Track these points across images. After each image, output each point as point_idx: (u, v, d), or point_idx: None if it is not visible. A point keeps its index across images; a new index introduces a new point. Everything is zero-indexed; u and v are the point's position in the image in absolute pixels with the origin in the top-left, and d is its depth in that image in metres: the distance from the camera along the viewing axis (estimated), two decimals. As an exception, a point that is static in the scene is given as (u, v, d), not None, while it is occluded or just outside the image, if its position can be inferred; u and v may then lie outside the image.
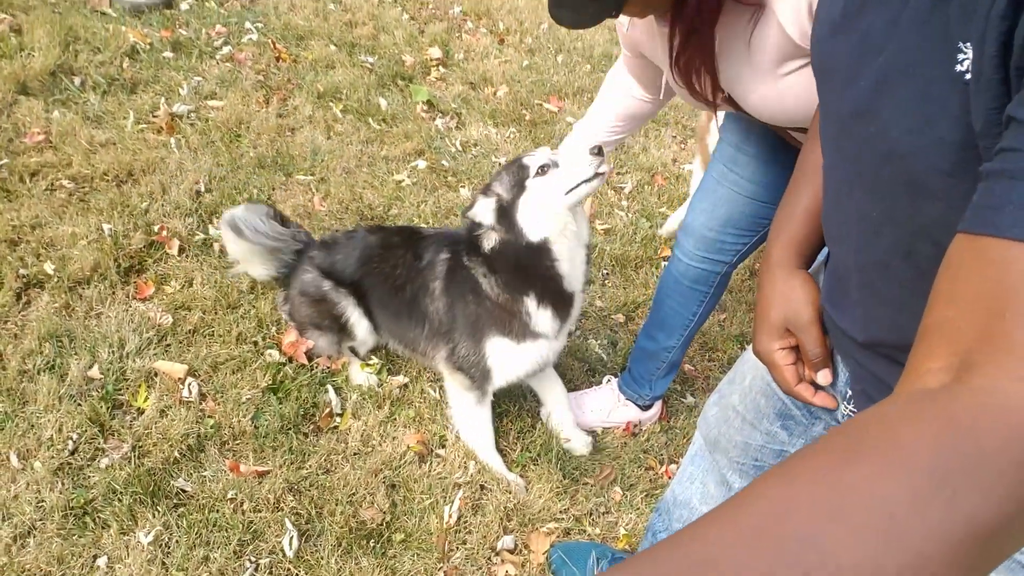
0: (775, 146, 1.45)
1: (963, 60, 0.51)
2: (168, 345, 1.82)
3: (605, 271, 2.42)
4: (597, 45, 3.65)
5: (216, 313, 1.93)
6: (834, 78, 0.69)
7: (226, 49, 2.94)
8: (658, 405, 1.97)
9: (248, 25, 3.11)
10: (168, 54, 2.81)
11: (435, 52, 3.27)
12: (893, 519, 0.35)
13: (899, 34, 0.59)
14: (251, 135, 2.56)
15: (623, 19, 1.34)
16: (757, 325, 0.88)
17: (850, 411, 0.85)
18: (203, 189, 2.29)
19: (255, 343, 1.88)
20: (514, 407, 1.90)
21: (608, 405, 1.93)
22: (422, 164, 2.64)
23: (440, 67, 3.22)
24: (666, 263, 1.76)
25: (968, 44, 0.51)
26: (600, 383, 2.00)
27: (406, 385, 1.90)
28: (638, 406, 1.93)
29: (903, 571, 0.34)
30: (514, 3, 3.82)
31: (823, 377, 0.84)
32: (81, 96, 2.51)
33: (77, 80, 2.55)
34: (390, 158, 2.63)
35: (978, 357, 0.41)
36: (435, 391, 1.89)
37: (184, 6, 3.13)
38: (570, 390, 1.98)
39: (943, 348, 0.43)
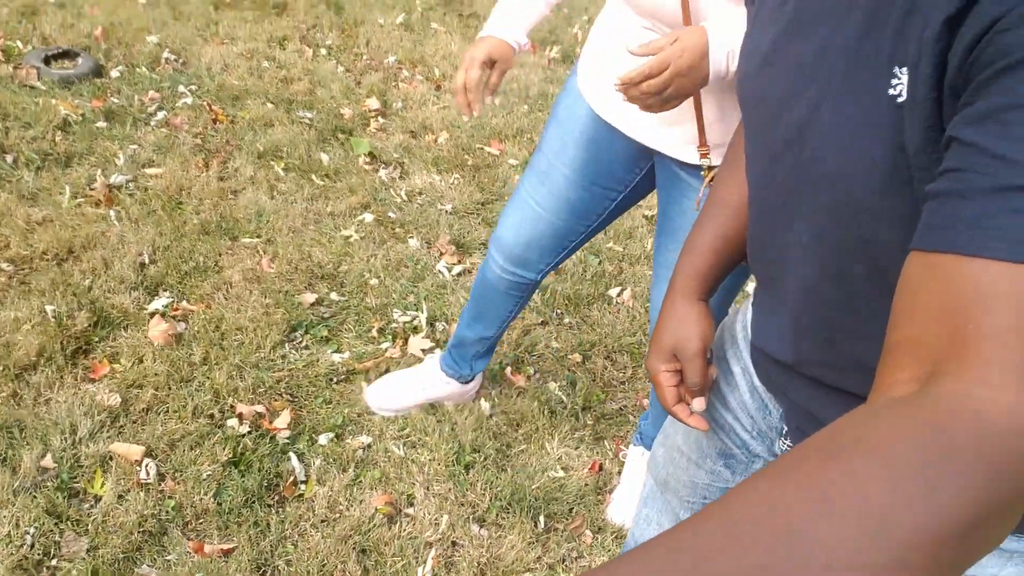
0: (586, 162, 1.47)
1: (896, 85, 0.54)
2: (122, 426, 1.78)
3: (559, 311, 2.44)
4: (533, 85, 3.70)
5: (169, 388, 1.89)
6: (765, 109, 0.71)
7: (161, 115, 2.91)
8: (478, 379, 2.06)
9: (182, 88, 3.09)
10: (101, 124, 2.78)
11: (373, 103, 3.28)
12: (878, 513, 0.36)
13: (831, 62, 0.61)
14: (193, 201, 2.53)
15: None
16: (651, 344, 0.95)
17: (787, 445, 0.91)
18: (147, 261, 2.25)
19: (211, 416, 1.85)
20: (480, 456, 1.89)
21: (431, 381, 2.01)
22: (369, 217, 2.64)
23: (379, 117, 3.23)
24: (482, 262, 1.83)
25: (903, 68, 0.53)
26: (559, 424, 2.02)
27: (369, 445, 1.89)
28: (459, 382, 2.01)
29: (891, 563, 0.35)
30: (447, 48, 3.86)
31: (698, 404, 0.92)
32: (14, 174, 2.46)
33: (9, 158, 2.51)
34: (336, 214, 2.63)
35: (945, 367, 0.42)
36: (399, 448, 1.88)
37: (115, 73, 3.10)
38: (531, 433, 1.98)
39: (910, 361, 0.45)
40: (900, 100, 0.54)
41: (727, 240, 0.92)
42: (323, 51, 3.62)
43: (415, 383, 2.00)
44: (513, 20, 1.48)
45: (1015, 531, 0.73)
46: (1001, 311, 0.41)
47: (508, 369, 2.17)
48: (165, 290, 2.19)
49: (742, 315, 1.00)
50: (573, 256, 2.63)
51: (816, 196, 0.65)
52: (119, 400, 1.83)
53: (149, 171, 2.62)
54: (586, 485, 1.90)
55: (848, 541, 0.35)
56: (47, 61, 3.01)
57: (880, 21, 0.56)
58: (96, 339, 1.99)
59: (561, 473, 1.94)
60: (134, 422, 1.80)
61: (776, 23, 0.69)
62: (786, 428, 0.88)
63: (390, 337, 2.20)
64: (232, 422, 1.84)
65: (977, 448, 0.38)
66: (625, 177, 1.50)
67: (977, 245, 0.43)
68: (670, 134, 1.35)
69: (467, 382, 2.02)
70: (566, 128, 1.49)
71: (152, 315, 2.08)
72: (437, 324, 2.27)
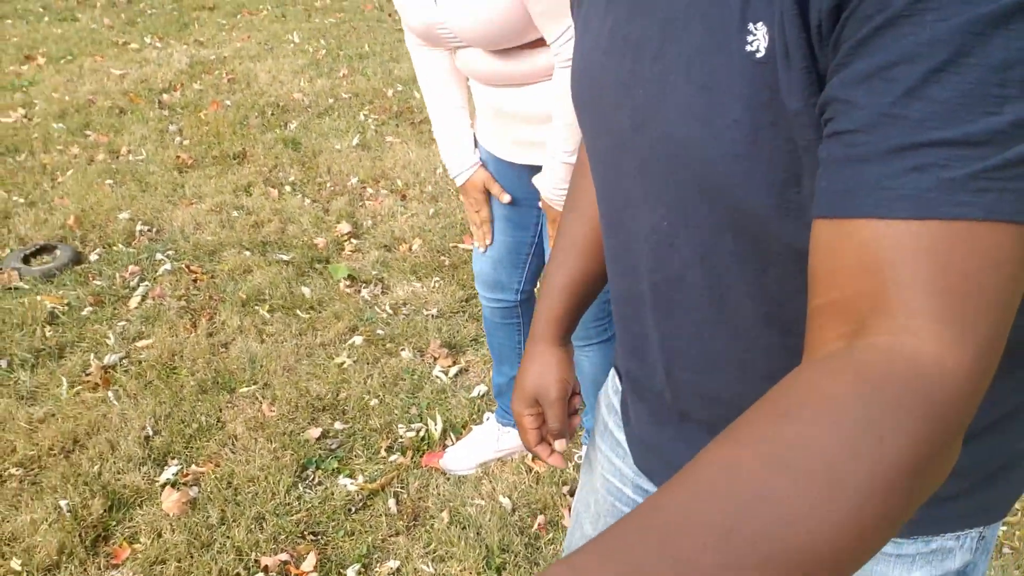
0: (505, 186, 1.71)
1: (752, 41, 0.53)
2: (151, 606, 1.78)
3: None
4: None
5: (192, 557, 1.90)
6: (607, 99, 0.68)
7: (143, 287, 2.99)
8: None
9: (159, 256, 3.18)
10: (88, 310, 2.85)
11: (344, 227, 3.36)
12: (833, 466, 0.38)
13: (676, 33, 0.59)
14: (186, 363, 2.58)
15: None
16: (515, 389, 0.98)
17: None
18: (151, 433, 2.28)
19: (237, 575, 1.85)
20: (510, 555, 1.88)
21: (493, 436, 2.16)
22: (359, 340, 2.68)
23: (352, 239, 3.31)
24: None
25: (758, 24, 0.52)
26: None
27: (398, 569, 1.88)
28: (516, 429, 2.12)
29: (850, 513, 0.37)
30: (407, 158, 3.97)
31: (559, 444, 0.96)
32: (11, 377, 2.52)
33: (3, 362, 2.57)
34: (326, 343, 2.67)
35: (871, 322, 0.44)
36: (428, 566, 1.86)
37: (93, 257, 3.19)
38: (556, 519, 1.97)
39: (836, 322, 0.46)
40: (759, 56, 0.53)
41: (577, 282, 0.94)
42: (288, 188, 3.73)
43: (483, 441, 2.17)
44: (466, 152, 1.73)
45: (915, 533, 0.73)
46: (915, 266, 0.43)
47: (528, 456, 2.18)
48: (173, 458, 2.21)
49: (613, 378, 1.00)
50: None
51: (674, 174, 0.63)
52: (144, 580, 1.83)
53: (140, 343, 2.68)
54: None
55: (806, 496, 0.37)
56: (26, 260, 3.11)
57: None
58: (113, 523, 2.00)
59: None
60: (163, 599, 1.80)
61: (612, 11, 0.67)
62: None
63: (399, 452, 2.21)
64: (258, 577, 1.84)
65: (913, 395, 0.40)
66: (533, 189, 1.67)
67: (885, 207, 0.44)
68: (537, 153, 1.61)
69: None
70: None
71: (164, 487, 2.09)
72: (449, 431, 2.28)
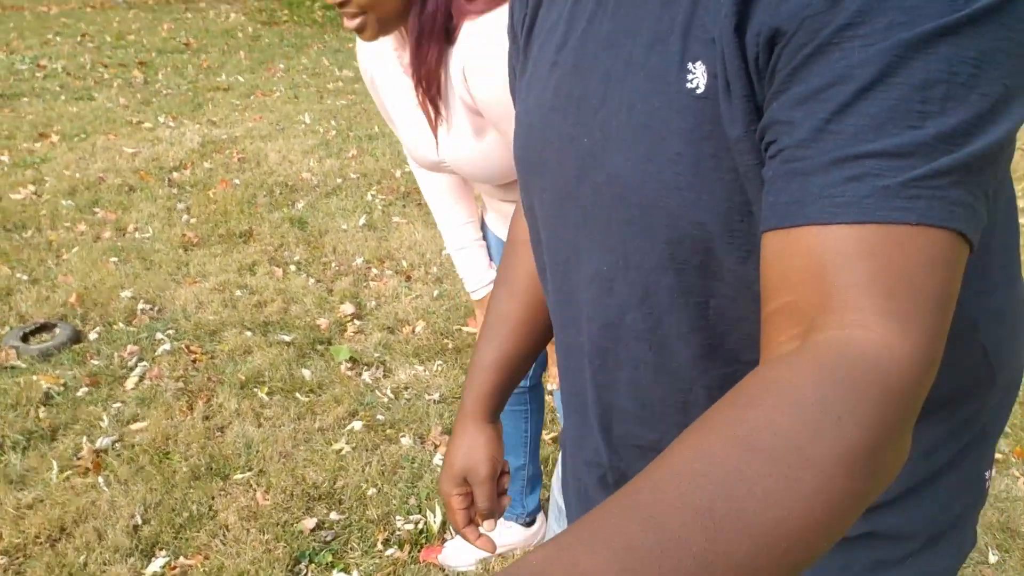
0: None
1: (692, 79, 0.57)
2: None
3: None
4: (499, 255, 3.78)
5: (175, 658, 1.80)
6: (550, 153, 0.72)
7: (141, 366, 2.94)
8: (540, 519, 2.11)
9: (159, 335, 3.15)
10: (83, 390, 2.80)
11: (347, 308, 3.34)
12: (798, 446, 0.40)
13: (617, 83, 0.63)
14: (180, 448, 2.51)
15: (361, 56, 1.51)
16: (443, 467, 0.98)
17: None
18: (140, 522, 2.21)
19: None
20: None
21: (496, 531, 2.02)
22: (358, 425, 2.61)
23: (355, 320, 3.28)
24: None
25: (698, 63, 0.57)
26: None
27: (391, 674, 1.78)
28: (520, 524, 2.08)
29: (816, 491, 0.40)
30: (412, 238, 3.97)
31: (487, 525, 0.97)
32: (1, 460, 2.45)
33: (-6, 445, 2.51)
34: (325, 428, 2.61)
35: (821, 321, 0.47)
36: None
37: (93, 335, 3.16)
38: None
39: (788, 325, 0.49)
40: (699, 92, 0.57)
41: (508, 357, 0.95)
42: (292, 267, 3.72)
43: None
44: (481, 269, 1.70)
45: None
46: (859, 266, 0.46)
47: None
48: (161, 548, 2.13)
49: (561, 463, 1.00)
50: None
51: (617, 215, 0.66)
52: None
53: (134, 427, 2.62)
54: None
55: (775, 474, 0.39)
56: (25, 338, 3.08)
57: (664, 29, 0.59)
58: (95, 619, 1.91)
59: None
60: None
61: (555, 73, 0.70)
62: None
63: (396, 546, 2.13)
64: None
65: (866, 379, 0.43)
66: None
67: (829, 214, 0.47)
68: None
69: (529, 524, 2.10)
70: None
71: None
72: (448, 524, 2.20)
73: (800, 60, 0.49)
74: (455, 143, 1.41)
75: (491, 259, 1.72)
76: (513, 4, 0.81)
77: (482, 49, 1.23)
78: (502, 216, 1.64)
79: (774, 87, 0.52)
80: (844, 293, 0.46)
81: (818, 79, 0.48)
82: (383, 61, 1.46)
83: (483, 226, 1.74)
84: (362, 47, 1.50)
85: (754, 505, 0.38)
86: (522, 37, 0.78)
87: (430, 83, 1.31)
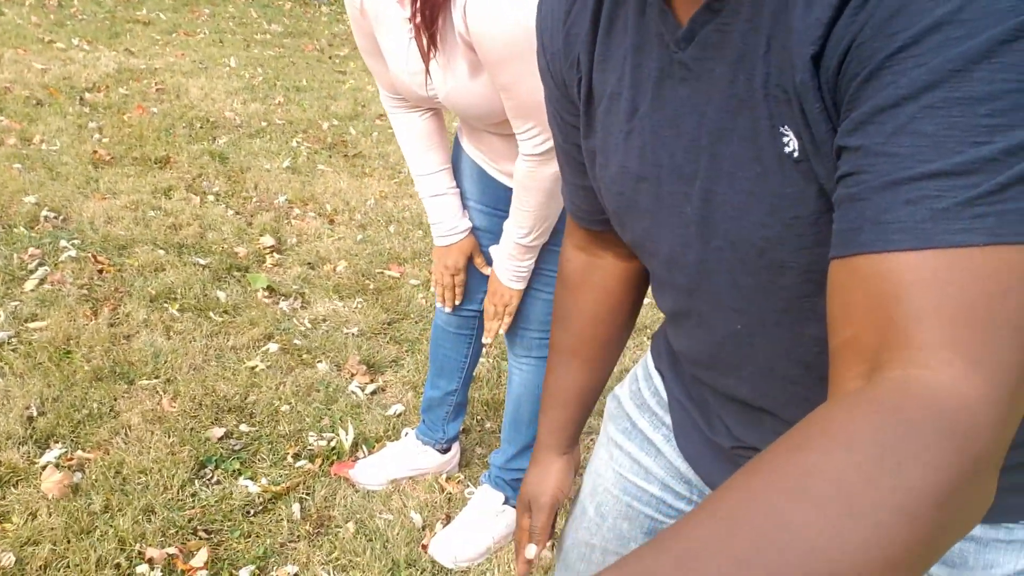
0: (481, 191, 1.69)
1: (788, 142, 0.56)
2: (15, 589, 1.60)
3: (479, 417, 2.39)
4: (425, 213, 3.77)
5: (68, 542, 1.72)
6: (647, 223, 0.72)
7: (42, 270, 2.79)
8: (456, 447, 2.13)
9: (64, 243, 2.99)
10: (-22, 284, 2.63)
11: (267, 240, 3.26)
12: (849, 493, 0.37)
13: (707, 151, 0.62)
14: (82, 349, 2.40)
15: None
16: (520, 491, 1.05)
17: None
18: (35, 413, 2.10)
19: (117, 565, 1.69)
20: (416, 571, 1.78)
21: (410, 452, 2.08)
22: (274, 347, 2.56)
23: (274, 253, 3.20)
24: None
25: (786, 126, 0.55)
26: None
27: (296, 574, 1.75)
28: (436, 450, 2.08)
29: (869, 540, 0.36)
30: (337, 186, 3.92)
31: (529, 551, 1.00)
32: None
33: None
34: (239, 347, 2.54)
35: (884, 358, 0.44)
36: (329, 574, 1.75)
37: (-10, 235, 2.97)
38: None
39: (853, 361, 0.46)
40: (796, 156, 0.55)
41: (583, 390, 1.00)
42: (211, 197, 3.60)
43: (398, 458, 2.07)
44: (455, 216, 1.70)
45: None
46: (919, 296, 0.43)
47: (443, 477, 2.10)
48: (57, 441, 2.03)
49: (645, 379, 1.00)
50: (485, 363, 2.62)
51: (741, 280, 0.66)
52: (13, 560, 1.64)
53: (32, 325, 2.48)
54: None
55: (825, 525, 0.36)
56: (-86, 228, 2.87)
57: (742, 92, 0.58)
58: (-19, 500, 1.80)
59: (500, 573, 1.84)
60: (29, 583, 1.62)
61: (633, 138, 0.69)
62: None
63: (307, 459, 2.10)
64: (142, 568, 1.68)
65: (932, 424, 0.40)
66: (510, 197, 1.61)
67: (884, 241, 0.45)
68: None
69: (445, 450, 2.10)
70: (458, 169, 1.72)
71: (44, 468, 1.91)
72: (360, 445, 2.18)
73: (855, 88, 0.48)
74: (449, 79, 1.39)
75: (462, 179, 1.71)
76: (554, 59, 0.76)
77: None
78: (480, 141, 1.62)
79: (840, 115, 0.51)
80: (906, 328, 0.43)
81: (872, 102, 0.47)
82: None
83: (455, 144, 1.74)
84: None
85: (798, 557, 0.35)
86: (581, 103, 0.75)
87: (432, 17, 1.29)
